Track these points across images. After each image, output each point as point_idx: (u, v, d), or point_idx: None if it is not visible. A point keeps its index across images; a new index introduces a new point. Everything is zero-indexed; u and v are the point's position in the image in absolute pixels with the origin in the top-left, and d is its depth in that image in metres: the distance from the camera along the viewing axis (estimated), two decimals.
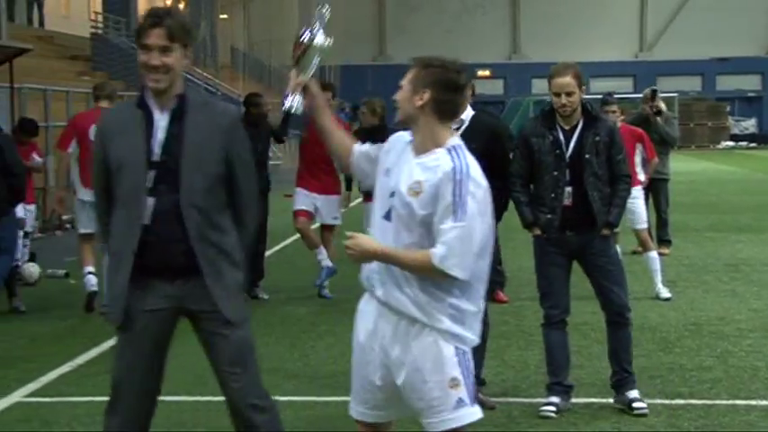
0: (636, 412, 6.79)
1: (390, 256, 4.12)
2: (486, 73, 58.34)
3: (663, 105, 14.19)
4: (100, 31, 34.99)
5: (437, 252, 4.05)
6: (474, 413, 4.19)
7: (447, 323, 4.14)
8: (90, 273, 10.60)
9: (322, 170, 11.26)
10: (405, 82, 4.21)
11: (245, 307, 4.76)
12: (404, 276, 4.13)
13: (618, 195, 6.93)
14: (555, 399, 6.91)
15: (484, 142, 6.68)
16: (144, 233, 4.48)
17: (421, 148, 4.19)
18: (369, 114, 11.25)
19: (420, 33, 60.56)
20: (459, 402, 4.15)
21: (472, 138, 7.09)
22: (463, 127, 7.05)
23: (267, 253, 11.95)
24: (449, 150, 4.15)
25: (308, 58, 4.42)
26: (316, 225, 11.73)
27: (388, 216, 4.18)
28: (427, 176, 4.11)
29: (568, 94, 6.72)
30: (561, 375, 6.98)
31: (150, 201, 4.47)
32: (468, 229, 4.04)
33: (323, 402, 7.20)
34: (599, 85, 54.87)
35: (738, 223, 18.18)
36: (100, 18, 36.24)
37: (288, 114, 4.06)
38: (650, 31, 63.43)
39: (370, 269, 4.23)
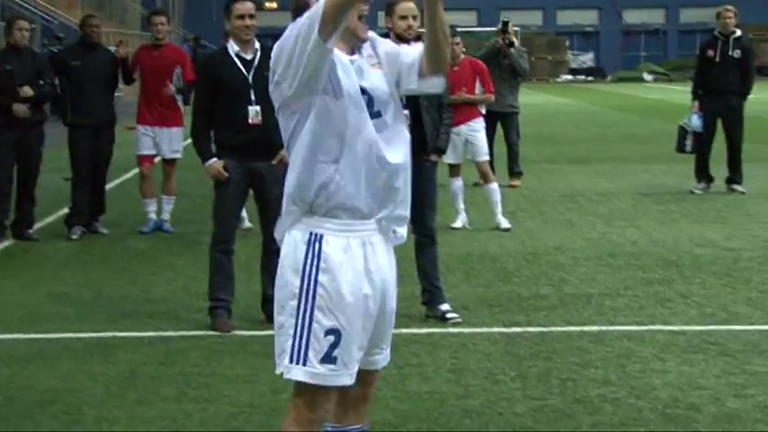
0: (450, 321, 7.38)
1: None
2: None
3: (514, 38, 14.48)
4: None
5: None
6: None
7: None
8: None
9: (161, 101, 11.03)
10: None
11: None
12: (405, 199, 3.93)
13: (443, 122, 7.56)
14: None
15: None
16: None
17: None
18: None
19: None
20: None
21: None
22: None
23: (109, 186, 11.69)
24: None
25: None
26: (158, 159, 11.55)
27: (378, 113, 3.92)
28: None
29: (414, 18, 7.02)
30: None
31: None
32: None
33: (164, 338, 7.12)
34: None
35: (574, 155, 18.64)
36: None
37: None
38: None
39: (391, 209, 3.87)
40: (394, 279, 4.00)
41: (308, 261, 3.79)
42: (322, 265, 3.78)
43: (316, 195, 3.79)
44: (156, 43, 11.10)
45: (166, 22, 11.12)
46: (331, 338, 3.76)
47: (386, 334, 4.01)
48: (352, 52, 3.93)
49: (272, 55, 3.85)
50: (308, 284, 3.77)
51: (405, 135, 3.96)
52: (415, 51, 3.98)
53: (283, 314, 3.83)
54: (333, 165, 3.78)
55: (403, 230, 3.99)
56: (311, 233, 3.80)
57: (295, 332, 3.79)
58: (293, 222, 3.86)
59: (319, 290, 3.77)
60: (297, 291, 3.78)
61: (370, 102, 3.86)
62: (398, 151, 3.89)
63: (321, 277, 3.77)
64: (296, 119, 3.84)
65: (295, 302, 3.79)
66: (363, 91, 3.85)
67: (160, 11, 11.81)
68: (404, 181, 3.93)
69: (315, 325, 3.76)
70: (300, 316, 3.78)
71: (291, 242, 3.85)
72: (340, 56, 3.84)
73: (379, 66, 3.96)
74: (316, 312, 3.76)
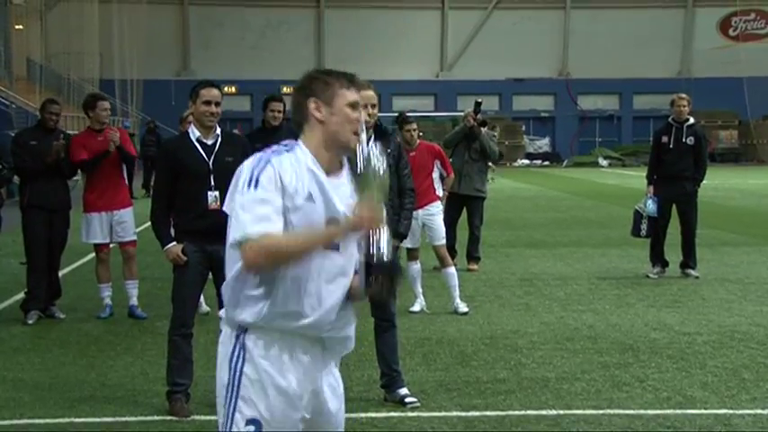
0: (409, 406, 7.38)
1: None
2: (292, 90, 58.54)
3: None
4: None
5: None
6: None
7: None
8: None
9: (111, 183, 10.87)
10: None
11: None
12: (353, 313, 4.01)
13: (405, 207, 7.59)
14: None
15: None
16: None
17: (336, 166, 4.01)
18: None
19: (224, 49, 60.22)
20: None
21: None
22: None
23: (65, 270, 11.62)
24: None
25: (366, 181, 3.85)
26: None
27: (336, 246, 3.88)
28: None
29: (373, 106, 7.06)
30: None
31: None
32: None
33: (122, 423, 7.07)
34: (401, 104, 56.00)
35: (532, 239, 18.80)
36: None
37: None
38: (450, 52, 64.94)
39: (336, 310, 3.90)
40: (331, 382, 4.01)
41: (235, 352, 3.91)
42: (246, 356, 3.89)
43: (251, 315, 3.87)
44: (98, 128, 10.82)
45: (108, 107, 11.03)
46: (251, 428, 3.87)
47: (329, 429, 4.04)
48: (339, 165, 3.98)
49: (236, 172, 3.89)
50: (234, 375, 3.91)
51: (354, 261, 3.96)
52: None
53: (218, 402, 3.98)
54: (266, 299, 3.84)
55: (348, 349, 4.06)
56: (239, 326, 3.91)
57: (223, 420, 3.92)
58: (228, 318, 3.98)
59: (243, 380, 3.89)
60: (225, 380, 3.92)
61: None
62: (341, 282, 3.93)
63: (246, 368, 3.89)
64: None
65: (224, 392, 3.92)
66: (332, 221, 3.85)
67: (101, 95, 11.62)
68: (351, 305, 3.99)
69: (237, 414, 3.89)
70: (226, 404, 3.91)
71: (224, 333, 3.99)
72: (315, 176, 3.87)
73: None
74: (239, 402, 3.89)
